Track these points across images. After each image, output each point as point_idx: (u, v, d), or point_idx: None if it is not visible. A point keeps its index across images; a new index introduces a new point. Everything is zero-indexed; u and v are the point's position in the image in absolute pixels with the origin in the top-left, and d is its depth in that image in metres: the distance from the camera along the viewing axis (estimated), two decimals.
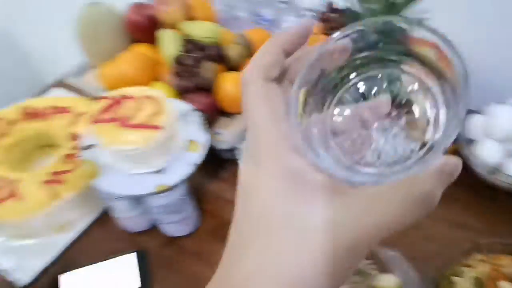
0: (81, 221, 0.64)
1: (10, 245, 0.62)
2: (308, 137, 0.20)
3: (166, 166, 0.53)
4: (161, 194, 0.52)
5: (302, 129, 0.20)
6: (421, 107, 0.20)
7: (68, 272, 0.57)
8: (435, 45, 0.19)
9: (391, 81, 0.21)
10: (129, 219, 0.59)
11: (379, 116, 0.21)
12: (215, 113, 0.66)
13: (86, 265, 0.58)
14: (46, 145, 0.75)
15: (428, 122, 0.20)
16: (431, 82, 0.20)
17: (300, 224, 0.19)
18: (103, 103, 0.54)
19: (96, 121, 0.53)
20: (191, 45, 0.66)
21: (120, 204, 0.56)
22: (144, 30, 0.70)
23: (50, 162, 0.68)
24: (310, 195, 0.19)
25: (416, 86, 0.20)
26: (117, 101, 0.53)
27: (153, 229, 0.62)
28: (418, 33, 0.19)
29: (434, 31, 0.18)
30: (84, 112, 0.74)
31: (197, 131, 0.58)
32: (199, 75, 0.64)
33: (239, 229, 0.21)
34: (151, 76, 0.68)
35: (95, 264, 0.58)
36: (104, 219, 0.64)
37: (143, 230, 0.61)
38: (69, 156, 0.67)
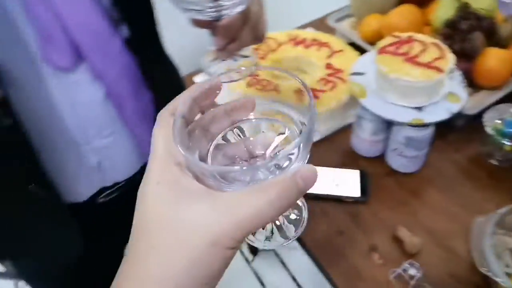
0: (319, 133, 0.77)
1: None
2: (191, 153, 0.26)
3: (427, 105, 0.61)
4: (414, 127, 0.61)
5: (186, 148, 0.25)
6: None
7: None
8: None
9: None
10: (367, 142, 0.69)
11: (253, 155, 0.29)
12: (467, 82, 0.70)
13: (318, 165, 0.71)
14: (299, 69, 0.90)
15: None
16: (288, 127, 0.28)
17: (175, 225, 0.24)
18: (390, 40, 0.64)
19: (382, 52, 0.63)
20: (467, 12, 0.70)
21: (368, 125, 0.66)
22: None
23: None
24: (187, 199, 0.24)
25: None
26: (405, 41, 0.62)
27: (377, 159, 0.71)
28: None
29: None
30: (340, 49, 0.86)
31: (458, 86, 0.64)
32: (469, 42, 0.68)
33: (134, 234, 0.26)
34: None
35: (324, 167, 0.71)
36: (337, 137, 0.76)
37: (371, 156, 0.71)
38: (323, 80, 0.81)
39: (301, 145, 0.24)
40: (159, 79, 0.60)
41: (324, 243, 0.63)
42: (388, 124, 0.66)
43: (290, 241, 0.33)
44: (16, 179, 0.53)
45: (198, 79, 0.92)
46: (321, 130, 0.77)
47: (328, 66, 0.84)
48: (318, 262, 0.61)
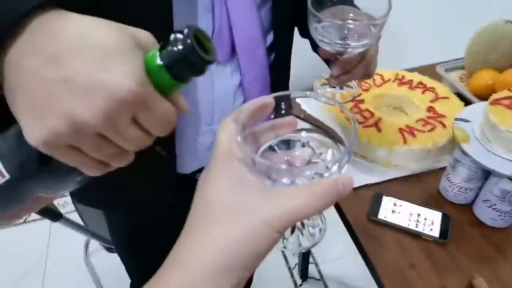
0: (410, 169, 0.79)
1: (353, 159, 0.83)
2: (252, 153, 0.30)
3: None
4: (509, 180, 0.60)
5: (246, 148, 0.29)
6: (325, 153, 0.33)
7: (386, 195, 0.73)
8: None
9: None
10: (457, 187, 0.69)
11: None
12: None
13: (400, 199, 0.73)
14: (399, 107, 0.93)
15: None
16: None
17: (234, 205, 0.28)
18: (505, 93, 0.65)
19: (495, 103, 0.64)
20: None
21: (463, 171, 0.67)
22: None
23: (401, 119, 0.85)
24: (246, 187, 0.28)
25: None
26: None
27: (463, 207, 0.71)
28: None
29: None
30: (446, 96, 0.88)
31: None
32: None
33: (193, 214, 0.30)
34: None
35: (407, 202, 0.72)
36: (426, 177, 0.77)
37: (457, 203, 0.71)
38: (422, 121, 0.83)
39: (340, 160, 0.29)
40: (279, 82, 0.68)
41: (393, 272, 0.64)
42: (485, 174, 0.66)
43: (304, 249, 0.39)
44: None
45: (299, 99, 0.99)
46: (412, 168, 0.79)
47: (430, 109, 0.86)
48: None
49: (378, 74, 0.97)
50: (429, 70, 1.03)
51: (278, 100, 0.34)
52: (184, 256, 0.28)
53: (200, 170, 0.72)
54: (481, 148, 0.65)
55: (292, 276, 1.48)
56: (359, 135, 0.80)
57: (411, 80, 0.94)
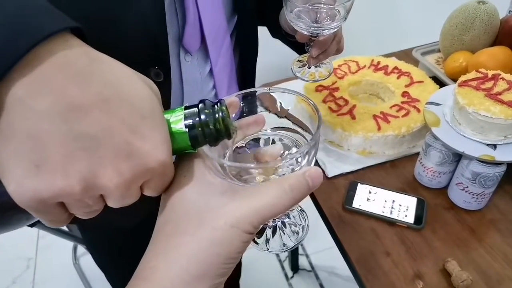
0: (385, 156, 0.78)
1: (328, 147, 0.82)
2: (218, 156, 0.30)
3: (502, 144, 0.60)
4: (483, 163, 0.60)
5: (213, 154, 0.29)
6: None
7: (361, 183, 0.73)
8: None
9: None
10: (431, 172, 0.68)
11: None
12: None
13: (375, 186, 0.72)
14: (375, 94, 0.92)
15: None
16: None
17: (200, 210, 0.27)
18: (474, 74, 0.64)
19: (463, 85, 0.63)
20: None
21: (435, 155, 0.66)
22: None
23: (377, 105, 0.84)
24: (212, 189, 0.28)
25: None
26: (490, 78, 0.62)
27: (438, 191, 0.71)
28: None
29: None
30: (421, 80, 0.87)
31: None
32: None
33: (159, 221, 0.28)
34: None
35: (382, 188, 0.71)
36: (402, 163, 0.77)
37: (433, 187, 0.71)
38: (396, 106, 0.82)
39: (308, 152, 0.29)
40: (245, 69, 0.68)
41: (368, 260, 0.63)
42: (457, 157, 0.65)
43: (288, 248, 0.38)
44: None
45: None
46: (388, 154, 0.78)
47: (405, 94, 0.85)
48: (358, 278, 0.61)
49: (353, 60, 0.96)
50: (406, 55, 1.02)
51: (242, 98, 0.33)
52: (151, 268, 0.26)
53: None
54: (451, 131, 0.64)
55: (283, 268, 1.47)
56: (333, 124, 0.79)
57: (387, 66, 0.93)
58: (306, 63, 0.66)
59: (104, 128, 0.23)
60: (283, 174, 0.29)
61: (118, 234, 0.77)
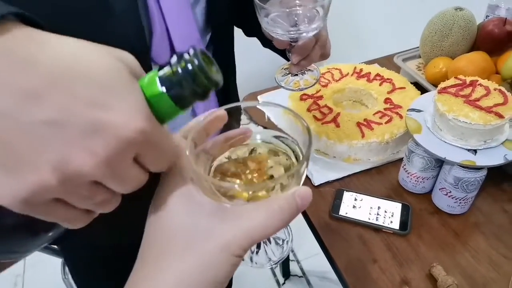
0: (370, 162, 0.79)
1: (313, 156, 0.82)
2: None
3: (482, 149, 0.61)
4: (465, 168, 0.61)
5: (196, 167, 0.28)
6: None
7: (347, 190, 0.73)
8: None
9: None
10: (415, 177, 0.70)
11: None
12: None
13: (361, 193, 0.73)
14: (359, 101, 0.93)
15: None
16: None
17: (188, 232, 0.26)
18: (453, 81, 0.65)
19: (443, 92, 0.64)
20: None
21: (418, 161, 0.67)
22: (495, 41, 0.78)
23: (360, 112, 0.85)
24: (201, 210, 0.27)
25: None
26: (468, 84, 0.64)
27: (423, 196, 0.72)
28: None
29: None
30: (402, 86, 0.88)
31: None
32: None
33: (146, 243, 0.28)
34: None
35: (368, 195, 0.72)
36: (386, 169, 0.78)
37: (417, 192, 0.72)
38: (379, 113, 0.83)
39: (298, 172, 0.29)
40: (228, 86, 0.67)
41: (356, 267, 0.63)
42: (439, 163, 0.66)
43: (274, 264, 0.38)
44: None
45: (262, 98, 0.99)
46: (372, 160, 0.79)
47: (387, 100, 0.86)
48: (346, 286, 0.62)
49: (336, 68, 0.97)
50: (388, 62, 1.04)
51: (229, 111, 0.33)
52: None
53: None
54: (433, 137, 0.65)
55: (275, 275, 1.47)
56: (318, 133, 0.80)
57: (369, 73, 0.94)
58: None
59: (62, 109, 0.21)
60: (272, 190, 0.29)
61: (99, 257, 0.76)
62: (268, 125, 0.36)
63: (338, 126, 0.81)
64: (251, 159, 0.32)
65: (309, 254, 1.51)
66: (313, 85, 0.63)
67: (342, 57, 1.08)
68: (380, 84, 0.91)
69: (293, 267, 1.49)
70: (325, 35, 0.59)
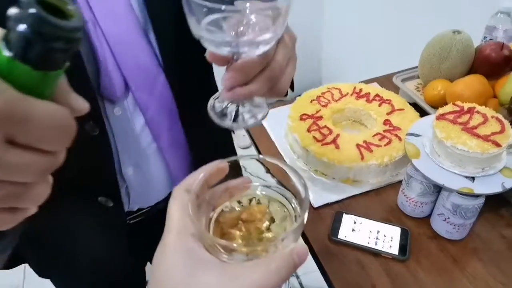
0: (369, 184, 0.79)
1: (313, 176, 0.83)
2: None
3: (480, 176, 0.62)
4: (463, 195, 0.61)
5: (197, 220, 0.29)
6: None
7: (346, 213, 0.74)
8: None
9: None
10: (413, 202, 0.70)
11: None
12: None
13: (361, 216, 0.73)
14: (358, 121, 0.94)
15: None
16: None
17: None
18: (451, 108, 0.66)
19: (441, 118, 0.65)
20: None
21: (417, 186, 0.68)
22: (493, 66, 0.79)
23: (360, 134, 0.86)
24: (202, 267, 0.28)
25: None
26: (466, 111, 0.64)
27: (422, 220, 0.72)
28: None
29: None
30: (401, 108, 0.89)
31: None
32: None
33: None
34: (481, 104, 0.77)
35: (367, 219, 0.73)
36: (385, 192, 0.78)
37: (416, 216, 0.72)
38: (378, 135, 0.84)
39: (295, 230, 0.30)
40: (190, 113, 0.62)
41: None
42: (437, 189, 0.67)
43: None
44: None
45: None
46: (371, 182, 0.79)
47: (386, 122, 0.87)
48: None
49: (336, 88, 0.98)
50: (387, 80, 1.04)
51: (230, 163, 0.34)
52: None
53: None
54: (431, 163, 0.66)
55: None
56: (319, 154, 0.80)
57: (368, 93, 0.95)
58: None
59: None
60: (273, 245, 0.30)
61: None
62: (266, 176, 0.37)
63: (337, 147, 0.82)
64: (251, 209, 0.33)
65: (309, 270, 1.51)
66: (251, 126, 0.46)
67: (341, 74, 1.09)
68: (380, 105, 0.91)
69: (293, 282, 1.49)
70: (280, 63, 0.40)
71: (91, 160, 0.53)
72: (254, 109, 0.42)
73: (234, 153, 0.89)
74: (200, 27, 0.35)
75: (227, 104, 0.42)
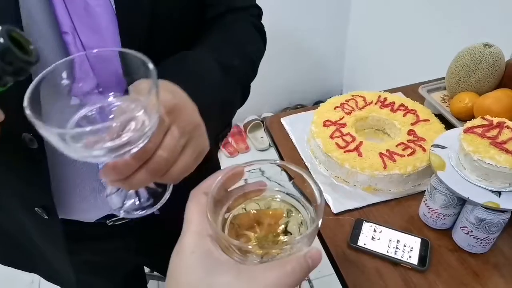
0: (391, 194, 0.79)
1: (334, 182, 0.83)
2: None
3: (505, 191, 0.61)
4: (488, 210, 0.61)
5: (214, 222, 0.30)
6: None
7: (366, 221, 0.74)
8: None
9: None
10: (436, 213, 0.70)
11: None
12: None
13: (381, 225, 0.73)
14: (381, 130, 0.94)
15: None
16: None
17: None
18: (479, 121, 0.66)
19: (469, 131, 0.65)
20: None
21: (440, 198, 0.67)
22: None
23: (383, 143, 0.85)
24: (219, 268, 0.28)
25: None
26: (495, 125, 0.64)
27: (443, 232, 0.72)
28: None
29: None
30: (427, 119, 0.89)
31: None
32: None
33: None
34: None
35: (388, 227, 0.72)
36: (406, 202, 0.78)
37: (437, 228, 0.72)
38: (402, 144, 0.83)
39: (309, 234, 0.31)
40: None
41: None
42: (461, 201, 0.66)
43: None
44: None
45: (285, 120, 1.00)
46: (393, 192, 0.79)
47: (411, 132, 0.86)
48: None
49: (360, 96, 0.98)
50: (412, 91, 1.04)
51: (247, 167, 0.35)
52: None
53: (110, 216, 0.70)
54: (456, 175, 0.66)
55: None
56: (341, 160, 0.81)
57: (393, 102, 0.95)
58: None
59: None
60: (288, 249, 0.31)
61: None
62: (283, 181, 0.37)
63: (360, 155, 0.82)
64: (267, 212, 0.34)
65: (321, 275, 1.51)
66: (136, 217, 0.41)
67: (365, 83, 1.09)
68: (404, 115, 0.91)
69: (305, 286, 1.48)
70: (164, 156, 0.36)
71: (27, 171, 0.56)
72: (148, 195, 0.41)
73: (218, 168, 0.90)
74: (58, 142, 0.31)
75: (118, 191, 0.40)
